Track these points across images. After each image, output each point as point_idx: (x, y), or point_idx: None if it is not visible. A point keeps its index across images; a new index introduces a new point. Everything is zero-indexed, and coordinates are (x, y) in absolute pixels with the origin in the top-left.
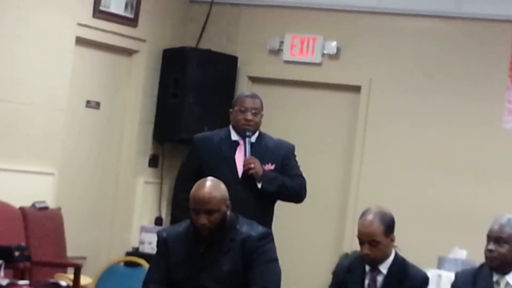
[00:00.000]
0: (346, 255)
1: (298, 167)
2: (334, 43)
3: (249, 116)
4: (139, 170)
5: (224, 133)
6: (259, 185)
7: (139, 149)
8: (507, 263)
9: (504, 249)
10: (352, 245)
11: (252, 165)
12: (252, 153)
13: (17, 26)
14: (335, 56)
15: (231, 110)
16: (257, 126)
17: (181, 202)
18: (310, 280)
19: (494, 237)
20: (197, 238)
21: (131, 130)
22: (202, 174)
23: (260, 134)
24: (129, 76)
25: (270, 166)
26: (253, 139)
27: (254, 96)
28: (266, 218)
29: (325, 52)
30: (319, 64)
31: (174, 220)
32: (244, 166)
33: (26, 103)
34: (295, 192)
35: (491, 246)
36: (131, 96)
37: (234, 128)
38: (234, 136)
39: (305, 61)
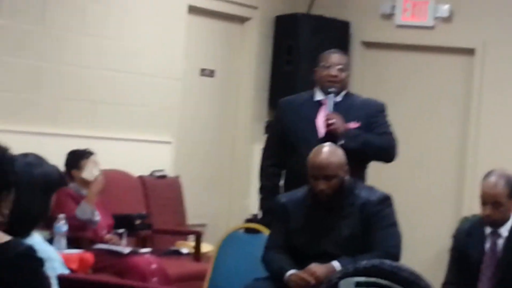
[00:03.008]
0: (466, 218)
1: (387, 126)
2: (446, 6)
3: (334, 71)
4: (256, 137)
5: (309, 94)
6: (341, 143)
7: (255, 115)
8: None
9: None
10: (472, 208)
11: (333, 121)
12: (335, 110)
13: None
14: (447, 19)
15: (316, 69)
16: (342, 83)
17: (265, 168)
18: (430, 244)
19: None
20: (316, 203)
21: (246, 97)
22: (285, 138)
23: (348, 93)
24: (242, 44)
25: (355, 124)
26: (339, 97)
27: (340, 53)
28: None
29: (438, 15)
30: (432, 28)
31: (261, 186)
32: (324, 121)
33: (142, 73)
34: (383, 149)
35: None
36: (245, 63)
37: (319, 87)
38: (319, 96)
39: (417, 25)
